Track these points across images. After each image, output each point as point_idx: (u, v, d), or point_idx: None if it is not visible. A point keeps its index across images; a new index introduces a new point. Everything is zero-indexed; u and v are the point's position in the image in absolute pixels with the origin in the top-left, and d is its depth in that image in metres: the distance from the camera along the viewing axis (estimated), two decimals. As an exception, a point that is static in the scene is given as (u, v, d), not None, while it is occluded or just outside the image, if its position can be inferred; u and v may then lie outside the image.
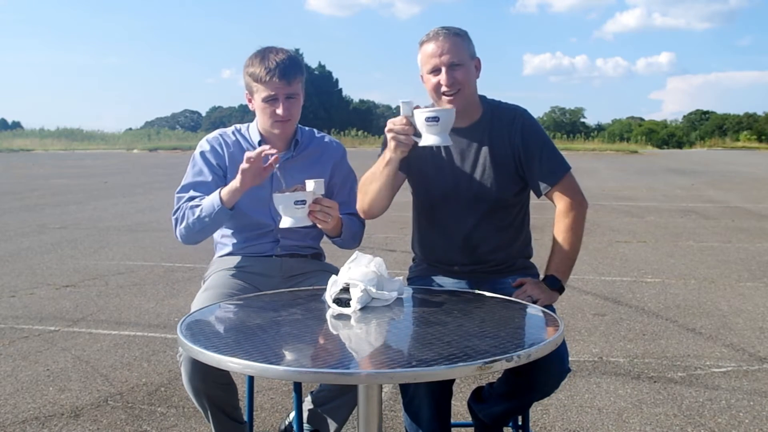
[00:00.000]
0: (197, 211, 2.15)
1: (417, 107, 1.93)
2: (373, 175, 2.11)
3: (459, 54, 2.06)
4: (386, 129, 1.98)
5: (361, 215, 2.25)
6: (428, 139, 1.91)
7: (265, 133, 2.29)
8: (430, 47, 2.07)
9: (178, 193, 2.26)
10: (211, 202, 2.13)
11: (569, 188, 2.16)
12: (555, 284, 2.09)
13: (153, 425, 2.83)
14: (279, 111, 2.17)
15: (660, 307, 4.74)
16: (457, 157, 2.16)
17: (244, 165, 2.02)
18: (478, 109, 2.18)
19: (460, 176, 2.16)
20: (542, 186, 2.15)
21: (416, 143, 1.95)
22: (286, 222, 1.97)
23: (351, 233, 2.26)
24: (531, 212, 2.31)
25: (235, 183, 2.07)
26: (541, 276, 2.17)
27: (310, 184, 1.97)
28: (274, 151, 2.05)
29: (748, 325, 4.27)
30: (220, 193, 2.12)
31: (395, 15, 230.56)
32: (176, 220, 2.22)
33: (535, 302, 1.97)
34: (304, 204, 1.95)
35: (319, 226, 2.06)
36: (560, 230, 2.14)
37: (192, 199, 2.21)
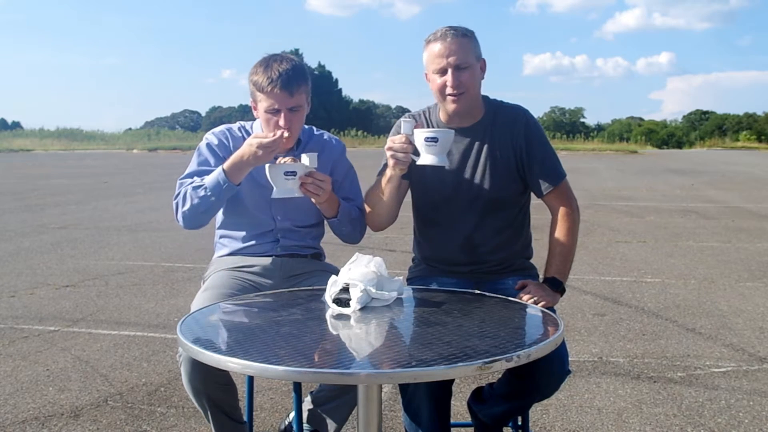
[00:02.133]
0: (201, 191, 2.12)
1: (417, 126, 2.00)
2: (377, 193, 2.17)
3: (466, 56, 2.06)
4: (386, 147, 2.04)
5: (372, 229, 2.28)
6: (426, 158, 1.97)
7: None
8: (437, 47, 2.07)
9: (181, 179, 2.23)
10: (215, 179, 2.10)
11: (567, 193, 2.19)
12: (557, 286, 2.09)
13: (153, 425, 2.83)
14: (281, 122, 2.15)
15: (660, 307, 4.74)
16: (458, 156, 2.16)
17: (262, 141, 1.99)
18: (480, 109, 2.18)
19: (462, 176, 2.16)
20: (543, 186, 2.16)
21: (414, 162, 2.00)
22: (277, 193, 2.01)
23: (348, 217, 2.25)
24: (531, 213, 2.31)
25: (244, 157, 2.05)
26: (541, 277, 2.17)
27: (304, 158, 2.01)
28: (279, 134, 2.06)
29: (748, 325, 4.27)
30: (223, 168, 2.09)
31: (395, 15, 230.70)
32: (177, 204, 2.18)
33: (537, 304, 1.97)
34: (295, 175, 1.98)
35: (312, 200, 2.08)
36: (560, 233, 2.14)
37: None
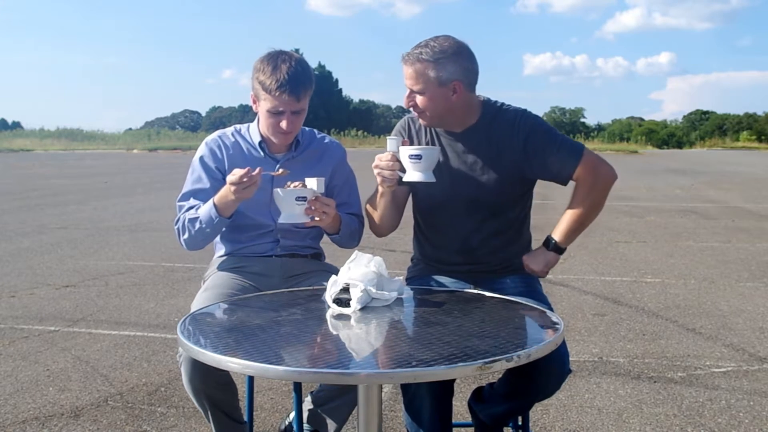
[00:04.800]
0: (197, 224, 2.16)
1: (404, 143, 2.03)
2: (374, 203, 2.20)
3: (419, 82, 2.05)
4: (373, 165, 2.06)
5: (375, 235, 2.28)
6: (412, 175, 1.99)
7: (266, 135, 2.28)
8: (403, 68, 2.10)
9: (178, 201, 2.27)
10: (208, 213, 2.13)
11: (591, 163, 2.12)
12: (549, 243, 2.14)
13: (153, 425, 2.83)
14: (283, 125, 2.16)
15: (660, 307, 4.74)
16: (453, 161, 2.16)
17: (233, 179, 2.01)
18: (473, 114, 2.15)
19: (457, 180, 2.15)
20: (565, 174, 2.12)
21: (401, 178, 2.02)
22: (285, 218, 2.00)
23: (349, 231, 2.27)
24: (531, 213, 2.30)
25: (228, 195, 2.06)
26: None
27: (311, 182, 1.99)
28: (255, 177, 2.03)
29: (748, 325, 4.27)
30: (214, 203, 2.12)
31: (396, 15, 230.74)
32: (178, 230, 2.24)
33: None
34: (305, 201, 1.98)
35: (316, 223, 2.07)
36: (575, 195, 2.14)
37: (191, 208, 2.22)
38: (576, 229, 2.15)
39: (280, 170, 2.14)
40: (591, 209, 2.14)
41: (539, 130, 2.14)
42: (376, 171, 2.04)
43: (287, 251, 2.32)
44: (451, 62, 2.06)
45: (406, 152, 1.98)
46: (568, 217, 2.14)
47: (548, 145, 2.12)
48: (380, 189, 2.12)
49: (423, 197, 2.23)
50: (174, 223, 2.26)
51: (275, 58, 2.15)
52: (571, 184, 2.16)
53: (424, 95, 2.07)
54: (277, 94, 2.11)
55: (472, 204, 2.16)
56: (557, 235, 2.14)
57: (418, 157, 1.96)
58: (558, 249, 2.14)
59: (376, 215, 2.21)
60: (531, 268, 2.15)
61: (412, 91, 2.08)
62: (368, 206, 2.25)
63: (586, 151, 2.14)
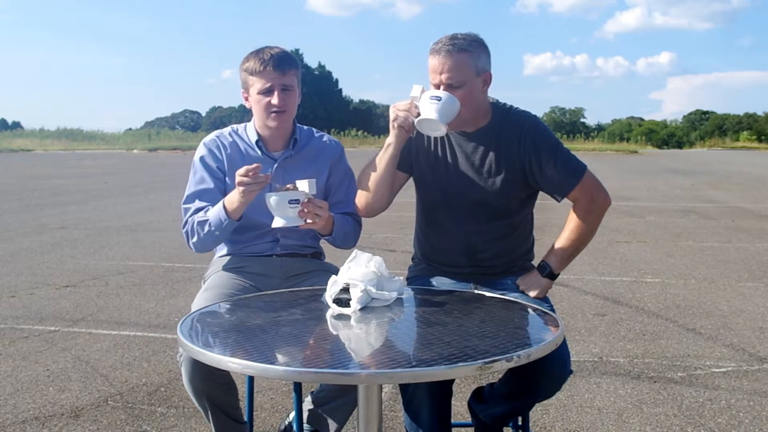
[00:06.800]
0: (206, 227, 2.17)
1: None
2: (373, 163, 2.15)
3: (459, 74, 2.00)
4: (391, 107, 2.05)
5: (360, 212, 2.25)
6: (428, 113, 1.96)
7: (262, 131, 2.29)
8: (433, 61, 2.03)
9: (184, 204, 2.27)
10: (217, 216, 2.14)
11: (588, 188, 2.13)
12: (544, 270, 2.13)
13: (153, 425, 2.83)
14: (274, 101, 2.18)
15: (660, 307, 4.74)
16: (462, 161, 2.15)
17: (241, 180, 2.01)
18: (486, 115, 2.14)
19: (463, 181, 2.14)
20: (561, 192, 2.12)
21: (414, 127, 2.01)
22: (278, 221, 1.99)
23: (343, 232, 2.24)
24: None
25: (237, 197, 2.07)
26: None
27: (302, 184, 1.97)
28: (262, 177, 2.03)
29: (748, 325, 4.27)
30: (224, 205, 2.12)
31: (396, 15, 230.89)
32: (187, 233, 2.24)
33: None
34: (298, 203, 1.97)
35: (308, 225, 2.06)
36: (570, 220, 2.14)
37: (198, 210, 2.22)
38: (571, 254, 2.16)
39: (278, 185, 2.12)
40: (587, 234, 2.15)
41: (546, 141, 2.11)
42: (391, 110, 2.04)
43: (287, 250, 2.32)
44: (483, 51, 2.07)
45: (428, 94, 1.98)
46: (564, 242, 2.14)
47: (552, 158, 2.09)
48: (388, 140, 2.08)
49: (428, 194, 2.22)
50: (182, 226, 2.26)
51: (258, 48, 2.23)
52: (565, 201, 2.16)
53: (463, 89, 2.02)
54: (261, 69, 2.16)
55: (477, 206, 2.14)
56: (553, 262, 2.13)
57: (438, 98, 1.96)
58: (552, 276, 2.14)
59: (370, 182, 2.15)
60: (525, 294, 2.13)
61: (449, 87, 2.01)
62: (362, 175, 2.19)
63: (588, 173, 2.13)
